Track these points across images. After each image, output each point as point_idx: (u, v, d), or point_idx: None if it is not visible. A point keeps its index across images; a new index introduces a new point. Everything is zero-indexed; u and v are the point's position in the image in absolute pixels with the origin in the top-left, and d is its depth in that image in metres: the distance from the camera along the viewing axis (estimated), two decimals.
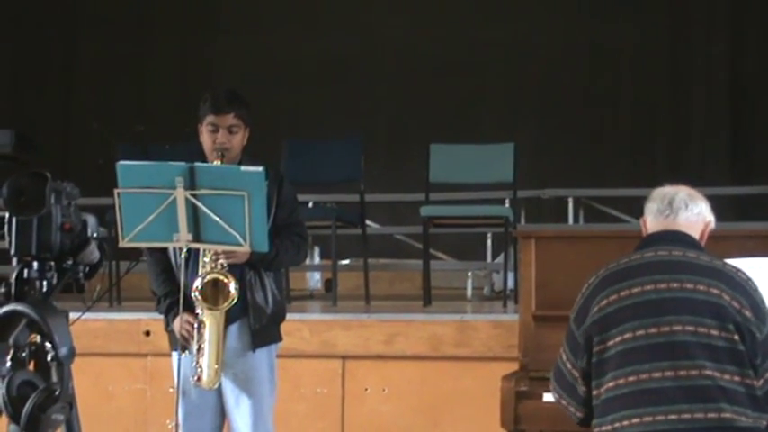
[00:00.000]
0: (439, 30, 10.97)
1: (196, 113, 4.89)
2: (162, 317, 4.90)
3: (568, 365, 3.84)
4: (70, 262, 3.18)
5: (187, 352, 4.73)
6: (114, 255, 6.68)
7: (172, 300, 4.75)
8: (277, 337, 4.94)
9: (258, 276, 4.82)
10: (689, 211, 3.90)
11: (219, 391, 4.82)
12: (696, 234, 3.90)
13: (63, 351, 3.04)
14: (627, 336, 3.70)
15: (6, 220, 3.15)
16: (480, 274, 9.10)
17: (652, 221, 3.94)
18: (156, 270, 4.89)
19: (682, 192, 3.94)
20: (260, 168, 4.43)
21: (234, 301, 4.64)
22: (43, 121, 11.01)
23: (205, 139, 4.85)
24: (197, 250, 4.66)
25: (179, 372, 4.78)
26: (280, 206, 4.85)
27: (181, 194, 4.40)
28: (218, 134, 4.81)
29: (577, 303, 3.85)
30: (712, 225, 3.97)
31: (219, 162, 4.75)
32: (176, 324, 4.73)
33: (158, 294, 4.88)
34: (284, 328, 4.97)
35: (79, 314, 3.38)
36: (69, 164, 10.60)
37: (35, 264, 3.14)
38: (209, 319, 4.67)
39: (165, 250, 4.82)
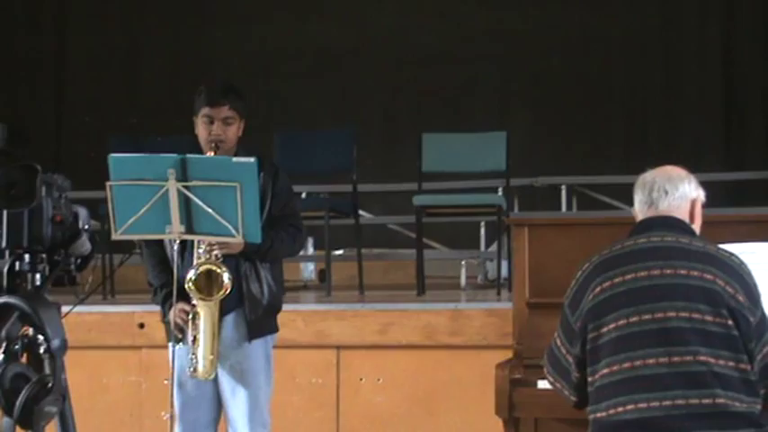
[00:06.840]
0: (430, 19, 10.96)
1: (190, 105, 4.88)
2: (158, 309, 4.89)
3: (563, 350, 3.84)
4: (62, 254, 3.17)
5: (181, 344, 4.73)
6: (108, 247, 6.69)
7: (168, 291, 4.73)
8: (273, 328, 4.93)
9: (253, 267, 4.81)
10: (669, 197, 3.89)
11: (216, 383, 4.81)
12: (684, 216, 3.90)
13: (55, 343, 3.04)
14: (621, 322, 3.70)
15: None
16: (474, 263, 9.10)
17: (639, 213, 3.94)
18: (152, 262, 4.89)
19: (659, 178, 3.92)
20: (251, 159, 4.41)
21: (228, 292, 4.63)
22: (35, 113, 10.98)
23: (200, 131, 4.84)
24: (193, 241, 4.65)
25: (174, 363, 4.78)
26: (275, 197, 4.84)
27: (173, 186, 4.39)
28: (213, 126, 4.80)
29: (571, 289, 3.85)
30: (702, 199, 3.96)
31: (213, 154, 4.74)
32: (172, 314, 4.73)
33: (155, 286, 4.87)
34: (279, 318, 4.97)
35: (71, 307, 3.37)
36: (61, 157, 10.58)
37: (26, 256, 3.13)
38: (204, 310, 4.65)
39: (160, 242, 4.81)
